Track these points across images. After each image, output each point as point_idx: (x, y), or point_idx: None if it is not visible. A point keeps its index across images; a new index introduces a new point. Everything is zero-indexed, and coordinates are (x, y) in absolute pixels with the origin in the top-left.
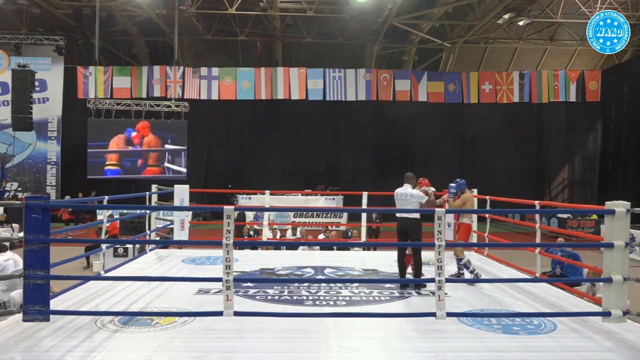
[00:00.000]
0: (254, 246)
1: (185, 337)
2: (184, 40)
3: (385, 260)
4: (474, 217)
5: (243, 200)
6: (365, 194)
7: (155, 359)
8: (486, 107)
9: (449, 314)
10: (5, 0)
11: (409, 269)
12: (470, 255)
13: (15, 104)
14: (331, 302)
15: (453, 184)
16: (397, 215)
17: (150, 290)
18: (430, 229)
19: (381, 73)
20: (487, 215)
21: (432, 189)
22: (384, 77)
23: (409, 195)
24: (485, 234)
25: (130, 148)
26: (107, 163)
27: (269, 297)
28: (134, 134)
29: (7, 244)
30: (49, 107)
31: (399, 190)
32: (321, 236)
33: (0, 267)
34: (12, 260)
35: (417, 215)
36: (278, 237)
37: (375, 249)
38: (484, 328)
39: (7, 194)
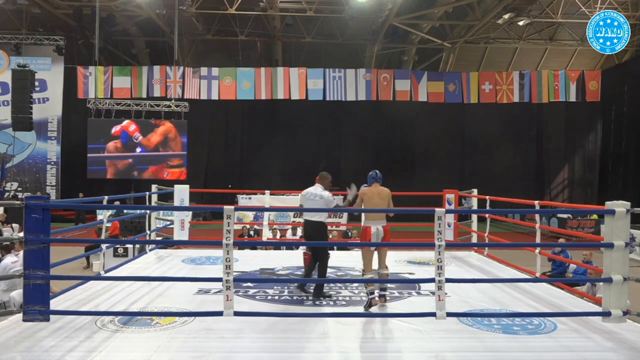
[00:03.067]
0: (254, 246)
1: (185, 337)
2: (184, 40)
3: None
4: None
5: (243, 200)
6: None
7: (155, 359)
8: (486, 107)
9: (449, 314)
10: (5, 0)
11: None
12: (470, 255)
13: (15, 104)
14: (331, 302)
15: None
16: (304, 216)
17: (150, 290)
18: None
19: (381, 73)
20: (487, 215)
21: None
22: (384, 77)
23: (318, 197)
24: (485, 234)
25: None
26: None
27: (269, 297)
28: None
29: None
30: (49, 107)
31: (309, 190)
32: None
33: (8, 269)
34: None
35: (322, 219)
36: (278, 237)
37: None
38: (484, 328)
39: (7, 194)
